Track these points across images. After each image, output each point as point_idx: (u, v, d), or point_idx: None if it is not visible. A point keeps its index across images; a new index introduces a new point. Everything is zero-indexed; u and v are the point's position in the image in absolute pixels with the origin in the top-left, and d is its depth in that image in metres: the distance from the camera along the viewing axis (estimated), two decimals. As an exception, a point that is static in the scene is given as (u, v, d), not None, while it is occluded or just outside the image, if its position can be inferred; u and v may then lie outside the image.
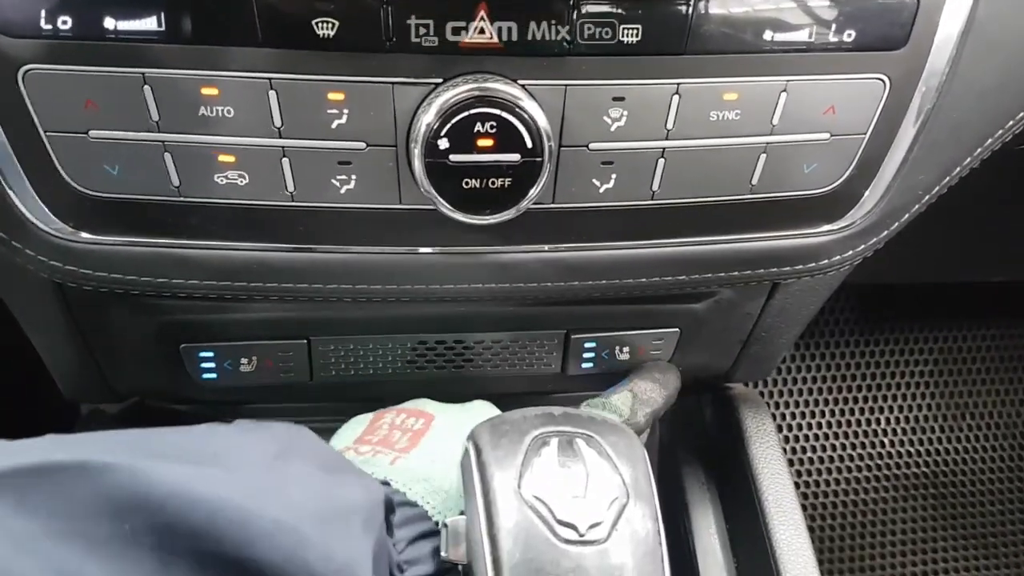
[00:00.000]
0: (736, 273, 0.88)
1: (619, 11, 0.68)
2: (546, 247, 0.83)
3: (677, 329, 1.06)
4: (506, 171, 0.72)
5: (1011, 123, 0.84)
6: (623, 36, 0.69)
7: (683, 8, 0.69)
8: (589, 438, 0.70)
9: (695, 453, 1.24)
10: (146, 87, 0.67)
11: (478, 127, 0.70)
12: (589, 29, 0.68)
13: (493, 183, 0.73)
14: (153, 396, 1.15)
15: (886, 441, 2.15)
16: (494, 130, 0.70)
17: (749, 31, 0.70)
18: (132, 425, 1.13)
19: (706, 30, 0.70)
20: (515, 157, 0.72)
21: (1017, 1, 0.76)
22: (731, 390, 1.24)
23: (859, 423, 2.15)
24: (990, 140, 0.85)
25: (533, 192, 0.74)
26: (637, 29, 0.69)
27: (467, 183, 0.72)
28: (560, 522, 0.64)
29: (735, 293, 1.01)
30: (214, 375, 1.02)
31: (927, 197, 0.88)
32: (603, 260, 0.85)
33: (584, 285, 0.87)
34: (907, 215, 0.88)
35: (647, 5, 0.68)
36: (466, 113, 0.69)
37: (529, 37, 0.68)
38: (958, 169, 0.86)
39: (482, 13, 0.67)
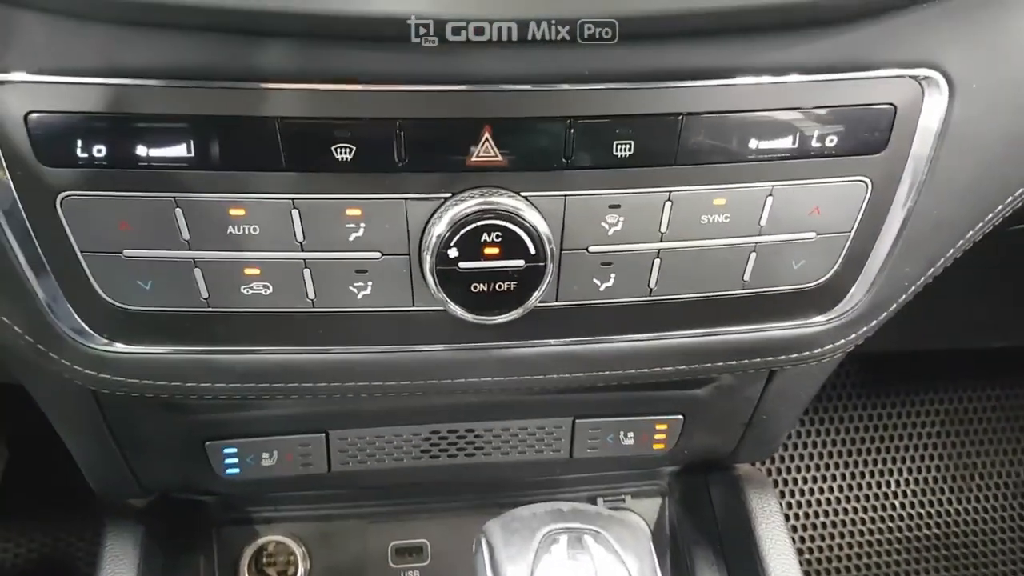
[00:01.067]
0: (734, 363, 0.92)
1: (613, 128, 0.73)
2: (551, 342, 0.87)
3: (680, 415, 1.09)
4: (512, 275, 0.77)
5: (990, 216, 0.88)
6: (617, 151, 0.74)
7: (673, 123, 0.73)
8: (597, 534, 0.73)
9: (704, 534, 1.26)
10: (177, 210, 0.72)
11: (485, 236, 0.75)
12: (585, 145, 0.74)
13: (500, 286, 0.77)
14: (178, 491, 1.19)
15: (896, 504, 2.15)
16: (500, 239, 0.75)
17: (735, 141, 0.75)
18: (158, 517, 1.17)
19: (695, 142, 0.75)
20: (520, 263, 0.76)
21: (989, 103, 0.80)
22: (737, 470, 1.26)
23: (868, 487, 2.15)
24: (971, 233, 0.89)
25: (537, 294, 0.79)
26: (630, 144, 0.74)
27: (475, 287, 0.77)
28: None
29: (735, 379, 1.05)
30: (237, 470, 1.05)
31: (913, 288, 0.91)
32: (606, 352, 0.89)
33: (588, 376, 0.91)
34: (895, 305, 0.92)
35: (639, 121, 0.73)
36: (474, 224, 0.74)
37: (530, 154, 0.74)
38: (941, 261, 0.90)
39: (487, 134, 0.72)
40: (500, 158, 0.73)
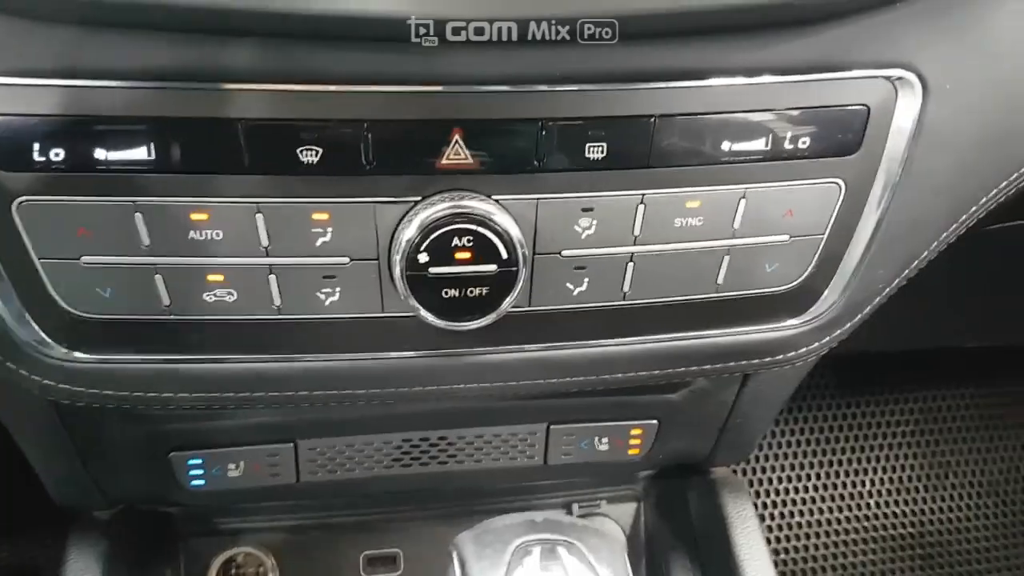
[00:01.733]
0: (708, 367, 0.91)
1: (585, 130, 0.72)
2: (525, 347, 0.86)
3: (655, 420, 1.09)
4: (483, 280, 0.76)
5: (964, 217, 0.88)
6: (589, 153, 0.73)
7: (645, 125, 0.72)
8: (571, 545, 0.72)
9: (679, 538, 1.25)
10: (137, 214, 0.70)
11: (456, 241, 0.73)
12: (557, 147, 0.72)
13: (471, 292, 0.76)
14: (143, 502, 1.17)
15: (872, 503, 2.16)
16: (471, 243, 0.73)
17: (708, 143, 0.74)
18: (122, 529, 1.15)
19: (668, 144, 0.74)
20: (491, 267, 0.75)
21: (962, 104, 0.80)
22: (712, 474, 1.26)
23: (844, 486, 2.16)
24: (945, 234, 0.89)
25: (510, 299, 0.77)
26: (603, 147, 0.72)
27: (447, 292, 0.75)
28: None
29: (709, 383, 1.04)
30: (203, 481, 1.03)
31: (887, 290, 0.91)
32: (580, 358, 0.87)
33: (563, 382, 0.89)
34: (869, 307, 0.92)
35: (611, 124, 0.72)
36: (444, 229, 0.72)
37: (501, 156, 0.72)
38: (916, 262, 0.90)
39: (457, 136, 0.70)
40: (471, 161, 0.72)
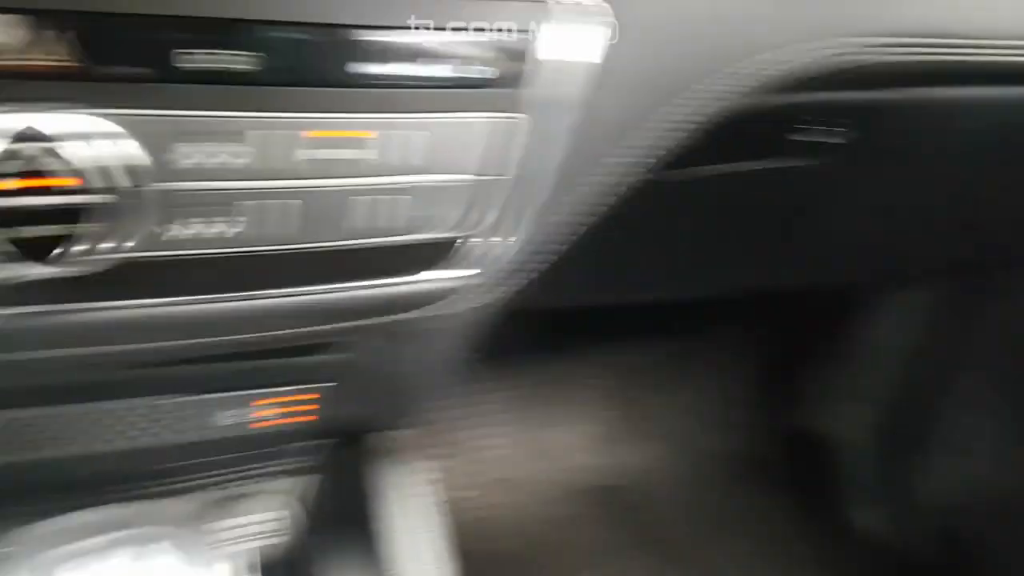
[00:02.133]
0: (377, 320, 0.82)
1: (225, 34, 0.59)
2: (147, 302, 0.70)
3: (326, 382, 0.97)
4: (77, 216, 0.60)
5: (645, 158, 0.85)
6: (230, 64, 0.59)
7: (303, 37, 0.61)
8: (160, 545, 0.60)
9: (353, 507, 1.16)
10: None
11: (34, 166, 0.58)
12: (184, 51, 0.58)
13: (61, 230, 0.61)
14: None
15: (573, 457, 2.20)
16: (58, 169, 0.58)
17: (376, 65, 0.65)
18: None
19: (331, 62, 0.63)
20: (88, 198, 0.60)
21: (645, 38, 0.76)
22: (389, 438, 1.17)
23: (543, 441, 2.19)
24: (627, 178, 0.85)
25: (110, 239, 0.63)
26: (249, 57, 0.60)
27: (24, 231, 0.60)
28: None
29: (382, 341, 0.95)
30: None
31: (564, 238, 0.86)
32: (218, 314, 0.74)
33: (201, 342, 0.76)
34: (544, 255, 0.86)
35: (262, 31, 0.60)
36: (21, 147, 0.57)
37: (108, 58, 0.58)
38: (594, 208, 0.86)
39: (42, 25, 0.54)
40: (66, 60, 0.56)
